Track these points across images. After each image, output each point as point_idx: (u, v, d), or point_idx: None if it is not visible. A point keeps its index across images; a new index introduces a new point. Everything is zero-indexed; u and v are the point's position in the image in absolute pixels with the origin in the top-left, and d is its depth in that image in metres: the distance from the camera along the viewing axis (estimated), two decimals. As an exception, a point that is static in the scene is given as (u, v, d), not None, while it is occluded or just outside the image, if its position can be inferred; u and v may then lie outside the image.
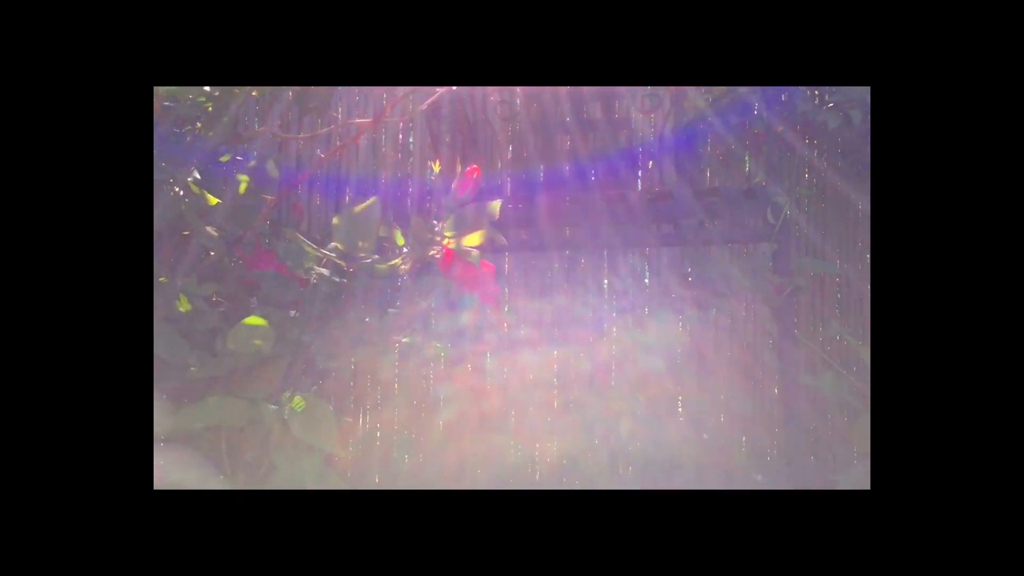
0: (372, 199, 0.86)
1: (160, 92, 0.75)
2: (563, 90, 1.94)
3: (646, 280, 2.22)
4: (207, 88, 0.83)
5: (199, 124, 0.84)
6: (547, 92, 1.93)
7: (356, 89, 2.15)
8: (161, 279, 0.78)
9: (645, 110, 1.92)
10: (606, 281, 2.21)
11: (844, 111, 2.01)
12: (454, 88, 1.42)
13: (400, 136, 2.22)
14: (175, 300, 0.78)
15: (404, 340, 0.94)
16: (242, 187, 0.93)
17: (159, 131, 0.79)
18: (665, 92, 1.92)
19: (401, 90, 2.17)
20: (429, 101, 1.01)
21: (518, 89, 1.98)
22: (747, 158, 2.20)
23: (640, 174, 1.92)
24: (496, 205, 0.93)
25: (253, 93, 0.86)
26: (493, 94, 1.98)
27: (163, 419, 0.69)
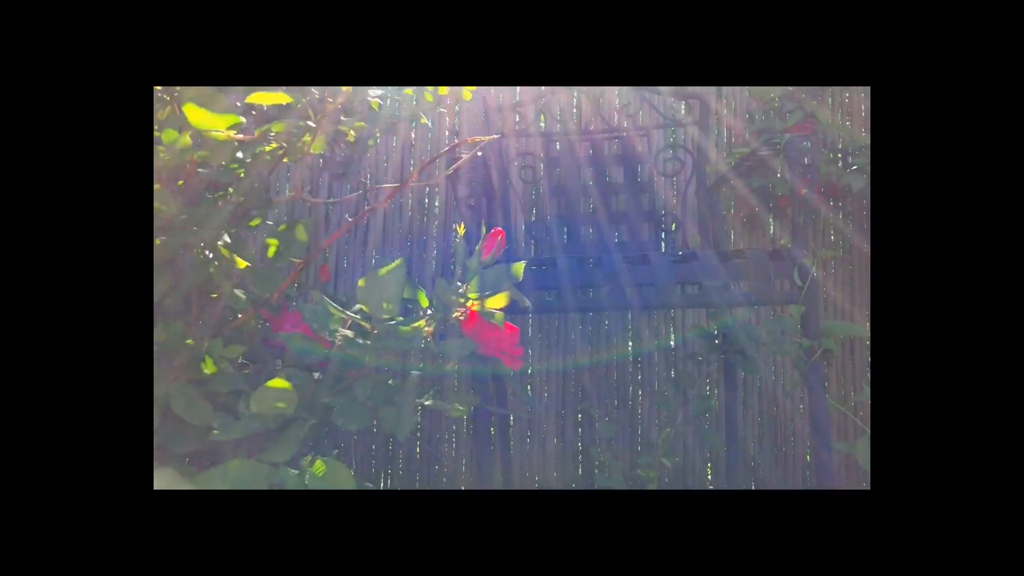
0: (398, 261, 0.87)
1: (194, 157, 0.77)
2: (585, 153, 1.98)
3: (671, 342, 2.20)
4: (240, 155, 0.85)
5: (231, 190, 0.87)
6: (569, 156, 1.96)
7: (383, 153, 2.21)
8: (188, 341, 0.79)
9: (667, 173, 1.94)
10: (630, 343, 2.19)
11: (867, 173, 2.01)
12: (479, 153, 1.44)
13: (425, 200, 2.27)
14: (200, 362, 0.78)
15: (427, 403, 0.93)
16: (271, 251, 0.94)
17: (191, 196, 0.81)
18: (686, 155, 1.94)
19: (427, 156, 2.23)
20: (454, 167, 1.03)
21: (540, 153, 2.02)
22: (771, 220, 2.20)
23: (663, 236, 1.93)
24: (520, 267, 0.93)
25: (284, 160, 0.88)
26: (516, 159, 2.02)
27: (184, 482, 0.68)
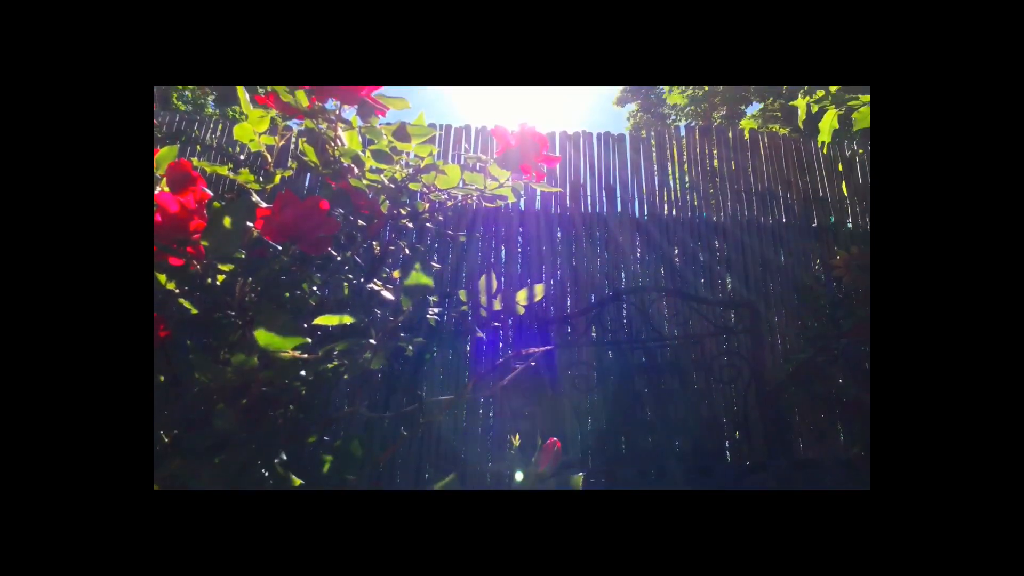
0: (451, 476, 0.85)
1: (260, 377, 0.80)
2: (637, 362, 1.98)
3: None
4: (303, 373, 0.88)
5: (291, 407, 0.89)
6: (622, 365, 1.97)
7: (440, 368, 2.26)
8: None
9: (724, 380, 1.91)
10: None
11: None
12: (532, 363, 1.46)
13: (480, 411, 2.26)
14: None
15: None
16: (326, 467, 0.94)
17: (253, 414, 0.83)
18: (742, 362, 1.92)
19: (481, 368, 2.27)
20: (508, 379, 1.04)
21: (593, 361, 2.03)
22: (839, 427, 2.09)
23: (727, 446, 1.85)
24: (579, 479, 0.90)
25: (345, 376, 0.91)
26: (569, 368, 2.03)
27: None
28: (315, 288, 1.02)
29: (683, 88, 10.59)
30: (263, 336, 0.76)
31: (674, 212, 2.90)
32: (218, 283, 0.82)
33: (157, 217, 0.71)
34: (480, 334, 1.13)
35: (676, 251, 2.72)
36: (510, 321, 2.30)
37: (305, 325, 0.94)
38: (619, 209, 2.91)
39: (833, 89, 1.18)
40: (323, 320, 0.83)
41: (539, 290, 1.17)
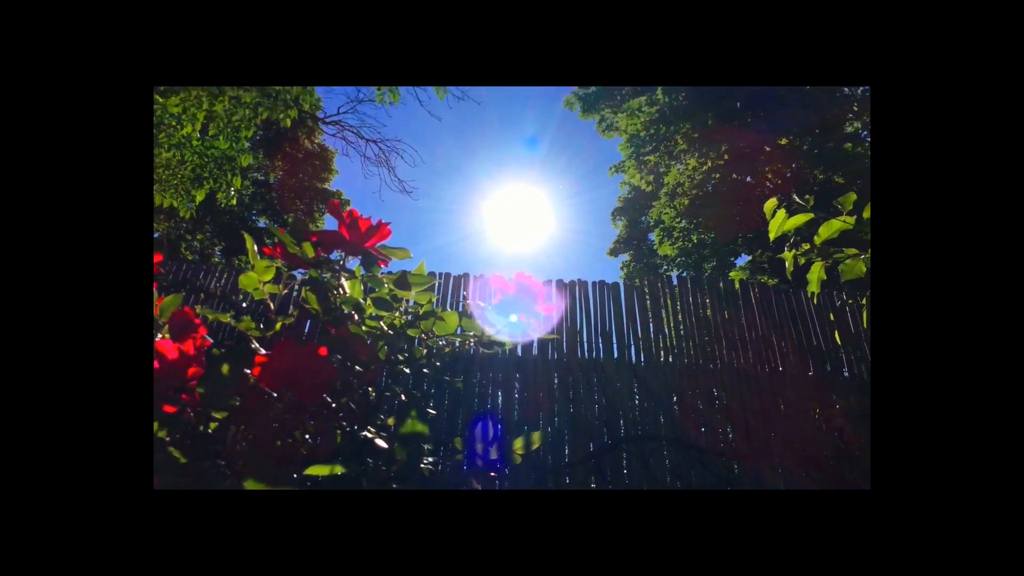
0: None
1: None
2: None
3: None
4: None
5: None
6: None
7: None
8: None
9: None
10: None
11: None
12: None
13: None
14: None
15: None
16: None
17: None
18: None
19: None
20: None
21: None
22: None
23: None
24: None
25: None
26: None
27: None
28: (307, 436, 1.00)
29: (672, 240, 11.01)
30: (252, 487, 0.74)
31: (670, 359, 2.91)
32: (210, 431, 0.80)
33: (155, 364, 0.72)
34: (476, 485, 1.09)
35: (674, 398, 2.70)
36: (507, 470, 2.23)
37: (295, 475, 0.91)
38: (616, 355, 2.92)
39: (818, 242, 1.22)
40: (313, 471, 0.81)
41: (536, 438, 1.15)
